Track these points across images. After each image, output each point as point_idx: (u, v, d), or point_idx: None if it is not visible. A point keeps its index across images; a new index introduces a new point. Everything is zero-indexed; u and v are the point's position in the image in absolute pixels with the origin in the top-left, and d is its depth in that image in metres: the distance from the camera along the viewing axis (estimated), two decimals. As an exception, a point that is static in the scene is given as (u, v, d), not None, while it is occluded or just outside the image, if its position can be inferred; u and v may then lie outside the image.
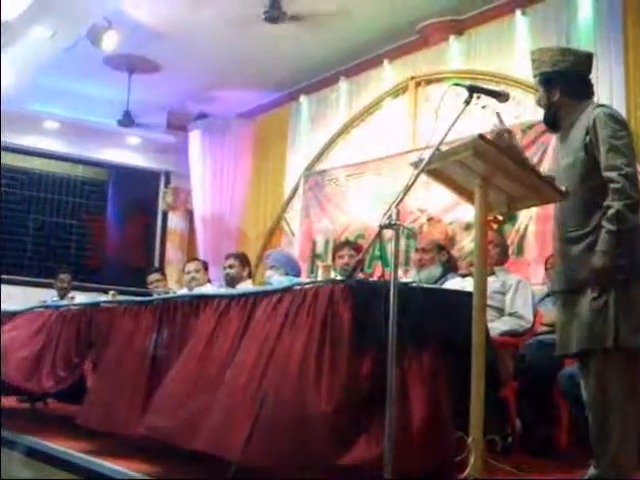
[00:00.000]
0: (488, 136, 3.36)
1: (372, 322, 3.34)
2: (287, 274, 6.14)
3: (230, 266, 6.98)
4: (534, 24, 7.24)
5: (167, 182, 12.20)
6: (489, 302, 4.29)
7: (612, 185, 3.37)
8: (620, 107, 6.13)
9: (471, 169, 3.31)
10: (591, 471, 3.52)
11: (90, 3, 7.57)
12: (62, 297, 8.08)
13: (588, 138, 3.49)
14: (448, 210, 7.42)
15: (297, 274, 6.47)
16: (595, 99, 3.75)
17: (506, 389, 4.61)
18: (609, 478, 3.37)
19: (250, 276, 7.12)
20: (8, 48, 7.87)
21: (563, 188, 3.42)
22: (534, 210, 6.54)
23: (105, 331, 5.31)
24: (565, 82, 3.64)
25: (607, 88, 6.33)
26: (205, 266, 7.51)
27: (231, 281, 6.88)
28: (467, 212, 6.48)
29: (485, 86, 3.86)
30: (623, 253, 3.37)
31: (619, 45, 6.49)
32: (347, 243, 6.57)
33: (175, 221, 12.00)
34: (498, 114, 3.59)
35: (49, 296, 8.15)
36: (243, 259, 7.11)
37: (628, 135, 3.50)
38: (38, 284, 10.09)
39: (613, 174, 3.38)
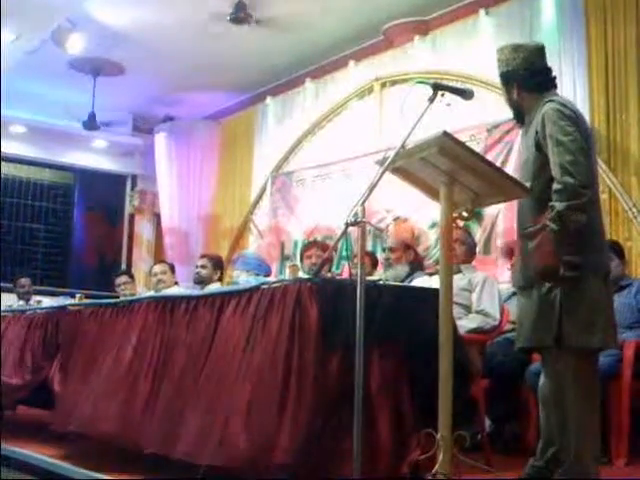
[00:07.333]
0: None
1: (339, 320, 3.34)
2: (257, 275, 6.13)
3: (202, 266, 6.96)
4: (498, 24, 7.26)
5: (133, 185, 12.18)
6: (456, 300, 4.31)
7: (554, 185, 3.31)
8: (583, 105, 6.18)
9: (436, 166, 3.31)
10: (531, 463, 3.52)
11: (54, 5, 7.52)
12: (27, 301, 8.02)
13: (538, 135, 3.48)
14: (415, 209, 7.43)
15: (267, 275, 6.46)
16: (558, 92, 3.75)
17: (475, 386, 4.63)
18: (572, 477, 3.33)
19: (221, 280, 7.11)
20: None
21: (528, 185, 3.43)
22: (501, 208, 6.56)
23: (72, 334, 5.28)
24: (521, 78, 3.62)
25: (570, 86, 6.37)
26: (172, 268, 7.48)
27: (201, 281, 6.86)
28: (433, 211, 6.48)
29: (449, 84, 3.88)
30: (572, 251, 3.31)
31: (582, 44, 6.53)
32: (315, 243, 6.59)
33: (142, 224, 11.97)
34: None
35: (14, 301, 8.09)
36: (216, 262, 7.08)
37: (577, 131, 3.40)
38: (5, 289, 9.98)
39: (557, 173, 3.32)
